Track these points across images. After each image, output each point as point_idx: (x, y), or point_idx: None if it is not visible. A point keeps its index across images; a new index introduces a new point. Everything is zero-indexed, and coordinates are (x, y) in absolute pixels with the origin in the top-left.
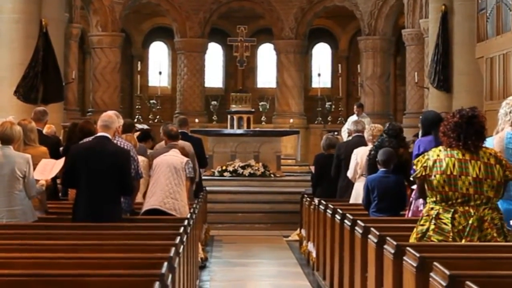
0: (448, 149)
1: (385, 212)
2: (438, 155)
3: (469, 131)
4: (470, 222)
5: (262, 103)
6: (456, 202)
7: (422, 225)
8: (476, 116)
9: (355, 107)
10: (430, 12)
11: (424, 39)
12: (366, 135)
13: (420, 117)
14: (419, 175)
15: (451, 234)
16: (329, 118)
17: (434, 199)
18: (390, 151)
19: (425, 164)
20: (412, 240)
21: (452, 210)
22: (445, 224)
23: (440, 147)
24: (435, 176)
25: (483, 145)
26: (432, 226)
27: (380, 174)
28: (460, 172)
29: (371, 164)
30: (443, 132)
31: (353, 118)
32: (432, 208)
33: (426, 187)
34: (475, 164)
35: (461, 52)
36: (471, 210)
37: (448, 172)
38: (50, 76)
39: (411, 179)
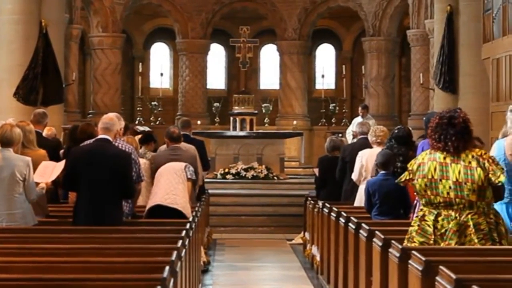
0: (432, 152)
1: (387, 215)
2: (423, 159)
3: (449, 131)
4: (450, 226)
5: (265, 104)
6: (440, 206)
7: (412, 226)
8: (455, 117)
9: (359, 108)
10: (435, 13)
11: (429, 40)
12: (369, 137)
13: (424, 118)
14: (403, 179)
15: (433, 236)
16: (333, 120)
17: (422, 201)
18: (388, 153)
19: (410, 168)
20: (405, 241)
21: (436, 212)
22: (428, 226)
23: (427, 150)
24: (417, 180)
25: (467, 147)
26: (416, 227)
27: (380, 177)
28: (441, 175)
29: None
30: (428, 134)
31: (358, 119)
32: (421, 210)
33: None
34: (455, 167)
35: (467, 53)
36: (453, 214)
37: (430, 176)
38: (50, 78)
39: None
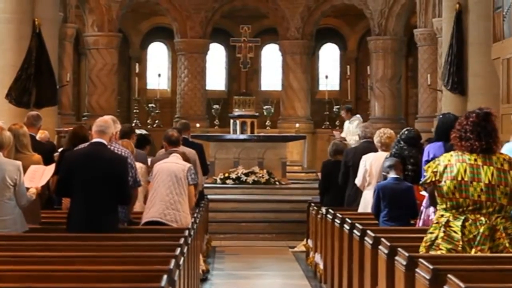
0: (460, 153)
1: (397, 221)
2: (449, 160)
3: (488, 128)
4: (481, 230)
5: (266, 106)
6: (467, 210)
7: (432, 233)
8: (491, 114)
9: (343, 111)
10: (443, 11)
11: (438, 39)
12: (375, 141)
13: (439, 116)
14: (428, 181)
15: (460, 242)
16: (337, 123)
17: (444, 206)
18: (396, 158)
19: (435, 170)
20: (421, 249)
21: (463, 217)
22: (455, 232)
23: (452, 152)
24: (445, 182)
25: (499, 147)
26: (441, 234)
27: (391, 180)
28: (471, 178)
29: None
30: (459, 137)
31: (346, 124)
32: (442, 216)
33: (436, 193)
34: (488, 170)
35: (476, 53)
36: (483, 218)
37: (459, 178)
38: (44, 79)
39: (421, 184)
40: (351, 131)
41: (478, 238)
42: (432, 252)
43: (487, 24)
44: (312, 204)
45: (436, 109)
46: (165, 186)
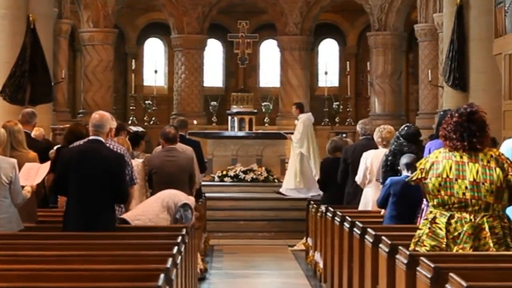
0: (447, 150)
1: (401, 220)
2: (437, 157)
3: (472, 128)
4: (465, 229)
5: (265, 103)
6: (453, 207)
7: (420, 229)
8: (476, 112)
9: (293, 107)
10: (444, 6)
11: (438, 34)
12: (375, 137)
13: (440, 113)
14: (414, 178)
15: (444, 240)
16: (336, 119)
17: (432, 203)
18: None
19: (422, 167)
20: (411, 245)
21: (449, 214)
22: (439, 229)
23: (441, 149)
24: (430, 179)
25: (488, 143)
26: (427, 230)
27: (404, 178)
28: (457, 175)
29: (388, 171)
30: (444, 136)
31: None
32: (430, 212)
33: (424, 191)
34: (473, 167)
35: (478, 49)
36: (468, 216)
37: (444, 175)
38: (38, 76)
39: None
40: (297, 128)
41: (461, 236)
42: (417, 249)
43: (488, 19)
44: (312, 202)
45: (437, 106)
46: (153, 200)
